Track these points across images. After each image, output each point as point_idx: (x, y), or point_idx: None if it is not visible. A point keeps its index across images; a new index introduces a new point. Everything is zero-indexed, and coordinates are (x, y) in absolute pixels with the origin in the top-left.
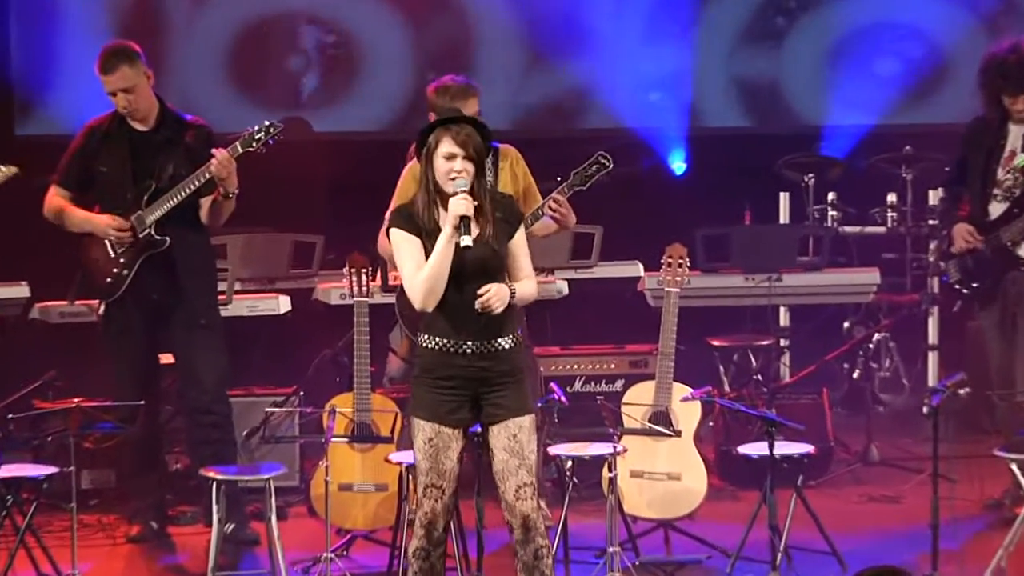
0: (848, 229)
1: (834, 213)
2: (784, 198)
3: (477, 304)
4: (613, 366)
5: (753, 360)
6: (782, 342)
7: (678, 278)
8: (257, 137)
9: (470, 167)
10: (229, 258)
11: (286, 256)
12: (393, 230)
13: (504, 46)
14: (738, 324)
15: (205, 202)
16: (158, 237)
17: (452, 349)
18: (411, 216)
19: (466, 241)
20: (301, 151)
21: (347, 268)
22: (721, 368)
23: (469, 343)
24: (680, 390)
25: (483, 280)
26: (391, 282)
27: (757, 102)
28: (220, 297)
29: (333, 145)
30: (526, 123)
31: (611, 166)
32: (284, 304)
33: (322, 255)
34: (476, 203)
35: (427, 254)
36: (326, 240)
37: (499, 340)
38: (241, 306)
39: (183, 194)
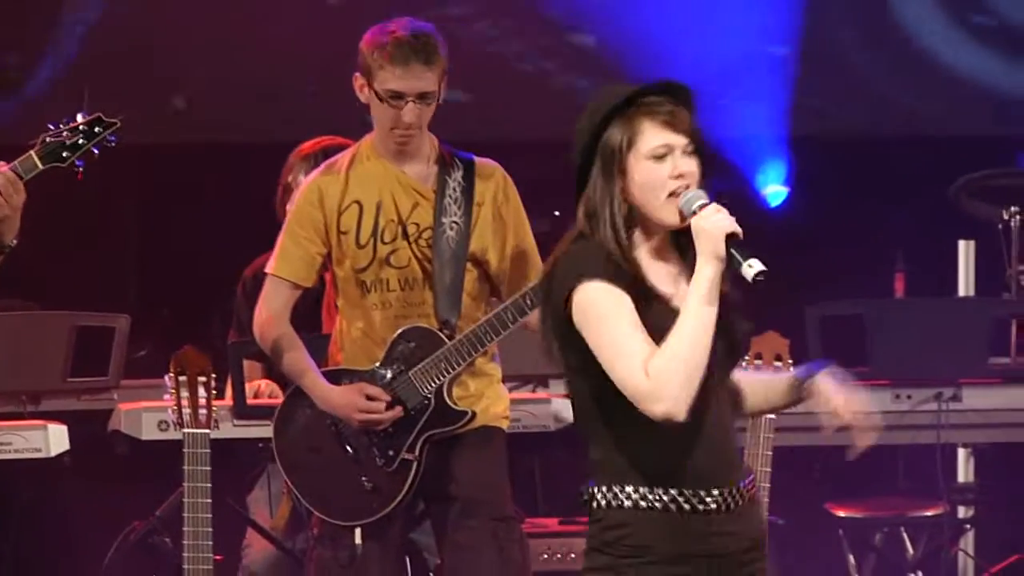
0: None
1: None
2: (965, 250)
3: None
4: None
5: (909, 545)
6: (961, 512)
7: None
8: (71, 143)
9: (694, 167)
10: None
11: (61, 352)
12: (593, 284)
13: None
14: (883, 479)
15: None
16: None
17: (689, 506)
18: (609, 258)
19: (757, 267)
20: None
21: (172, 374)
22: (851, 558)
23: (710, 492)
24: None
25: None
26: (251, 399)
27: (911, 82)
28: None
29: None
30: (496, 121)
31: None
32: (57, 439)
33: (124, 350)
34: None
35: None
36: (134, 322)
37: (743, 481)
38: None
39: None
